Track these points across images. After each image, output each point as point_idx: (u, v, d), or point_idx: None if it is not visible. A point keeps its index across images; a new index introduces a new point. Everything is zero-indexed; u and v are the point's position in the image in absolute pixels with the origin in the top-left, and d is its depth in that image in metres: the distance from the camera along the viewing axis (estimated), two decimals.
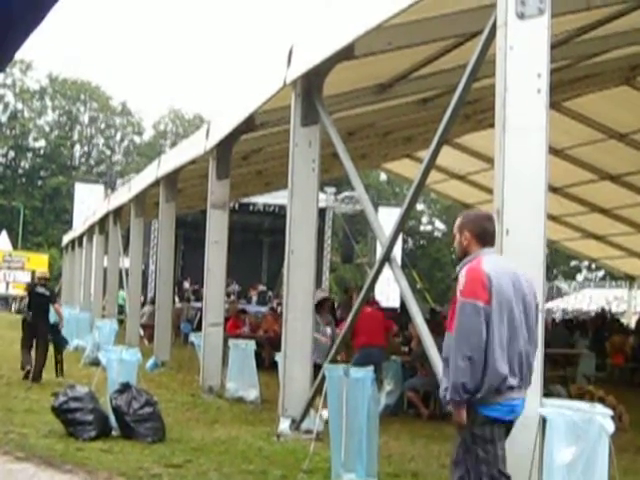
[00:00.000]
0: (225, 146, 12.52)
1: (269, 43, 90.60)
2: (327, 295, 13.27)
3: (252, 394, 11.52)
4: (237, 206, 26.80)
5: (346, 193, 34.35)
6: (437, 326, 12.77)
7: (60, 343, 13.44)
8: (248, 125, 11.63)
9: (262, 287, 32.43)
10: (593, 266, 59.97)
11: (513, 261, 4.83)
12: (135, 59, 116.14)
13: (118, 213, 21.74)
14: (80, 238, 29.59)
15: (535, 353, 4.54)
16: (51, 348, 13.22)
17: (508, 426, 4.41)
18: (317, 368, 8.97)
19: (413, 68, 10.37)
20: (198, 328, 16.49)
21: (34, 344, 12.88)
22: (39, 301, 13.21)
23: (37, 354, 12.80)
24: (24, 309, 13.31)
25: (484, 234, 4.54)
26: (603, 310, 27.04)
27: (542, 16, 5.56)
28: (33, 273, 26.55)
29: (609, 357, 18.45)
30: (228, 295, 23.45)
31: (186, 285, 30.92)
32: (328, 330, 11.28)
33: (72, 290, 30.80)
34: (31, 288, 13.76)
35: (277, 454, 7.79)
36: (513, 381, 4.27)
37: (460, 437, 4.37)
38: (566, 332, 19.66)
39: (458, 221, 4.65)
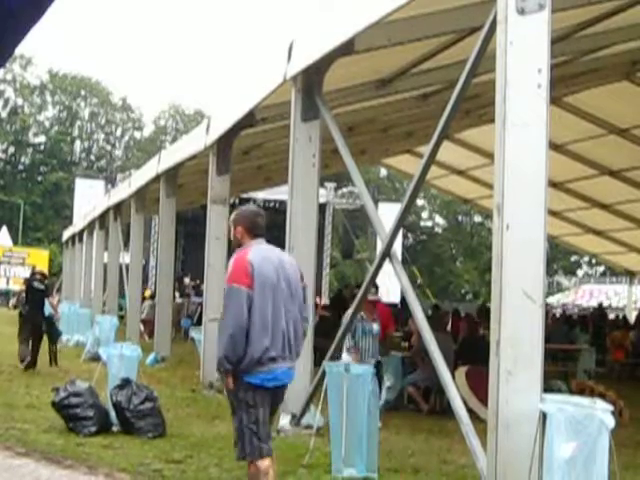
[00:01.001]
0: (225, 141, 12.51)
1: (269, 38, 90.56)
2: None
3: None
4: (237, 201, 26.82)
5: (346, 188, 34.36)
6: (438, 322, 12.82)
7: (54, 334, 14.20)
8: (248, 120, 11.62)
9: None
10: (593, 261, 59.98)
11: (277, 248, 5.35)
12: (135, 54, 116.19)
13: (118, 209, 21.73)
14: (80, 234, 29.58)
15: (306, 326, 5.23)
16: (46, 339, 13.94)
17: (273, 392, 4.98)
18: None
19: (413, 63, 10.36)
20: (198, 323, 16.50)
21: (30, 335, 13.62)
22: (35, 295, 13.99)
23: (32, 344, 13.56)
24: (22, 302, 14.11)
25: (254, 227, 5.17)
26: (600, 306, 27.01)
27: (542, 11, 5.55)
28: (33, 269, 26.75)
29: (609, 352, 18.48)
30: None
31: (186, 280, 30.93)
32: (375, 327, 9.72)
33: (72, 286, 30.80)
34: (28, 283, 14.48)
35: (277, 449, 7.74)
36: (275, 353, 4.88)
37: (230, 401, 5.07)
38: (566, 327, 19.69)
39: (232, 216, 5.31)
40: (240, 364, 4.83)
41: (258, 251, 5.02)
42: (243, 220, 5.19)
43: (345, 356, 9.17)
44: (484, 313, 15.40)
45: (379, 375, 9.57)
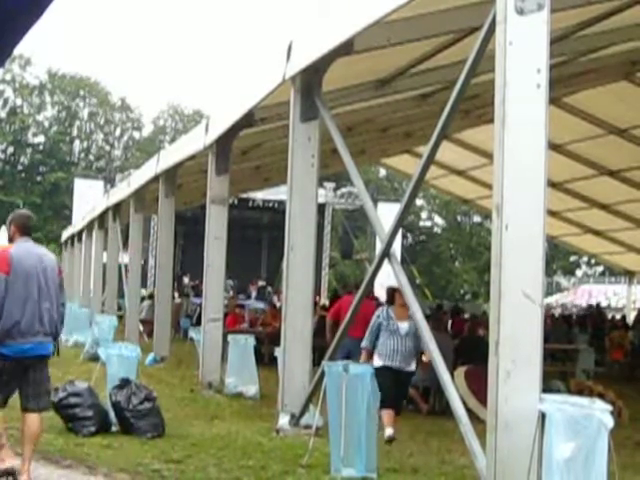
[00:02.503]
0: (224, 141, 12.51)
1: (268, 38, 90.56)
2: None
3: (251, 389, 11.52)
4: (236, 201, 26.79)
5: (345, 189, 34.35)
6: (438, 322, 12.82)
7: None
8: (247, 120, 11.62)
9: (261, 282, 32.44)
10: (592, 261, 59.92)
11: (40, 247, 6.61)
12: (134, 54, 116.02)
13: (117, 208, 21.73)
14: (79, 234, 29.58)
15: (57, 309, 6.27)
16: None
17: (25, 361, 6.06)
18: (397, 372, 8.78)
19: (412, 64, 10.36)
20: (197, 323, 16.50)
21: None
22: None
23: None
24: None
25: (24, 228, 6.33)
26: (598, 306, 27.01)
27: (541, 11, 5.55)
28: None
29: (608, 352, 18.48)
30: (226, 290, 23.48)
31: (185, 280, 30.93)
32: (404, 326, 8.93)
33: (71, 286, 30.77)
34: None
35: (276, 449, 7.79)
36: (25, 329, 5.96)
37: None
38: (565, 327, 19.70)
39: (9, 217, 6.41)
40: None
41: (22, 247, 6.18)
42: (16, 221, 6.34)
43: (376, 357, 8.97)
44: (455, 312, 15.48)
45: (404, 388, 9.32)
